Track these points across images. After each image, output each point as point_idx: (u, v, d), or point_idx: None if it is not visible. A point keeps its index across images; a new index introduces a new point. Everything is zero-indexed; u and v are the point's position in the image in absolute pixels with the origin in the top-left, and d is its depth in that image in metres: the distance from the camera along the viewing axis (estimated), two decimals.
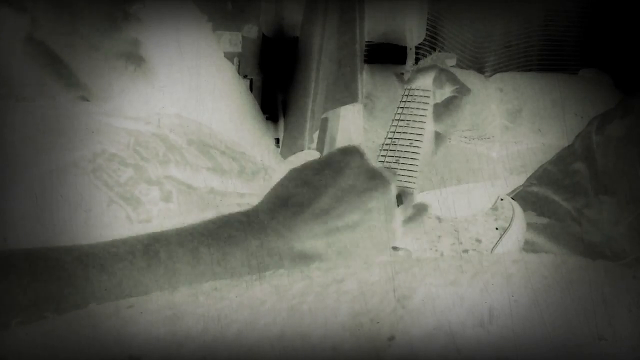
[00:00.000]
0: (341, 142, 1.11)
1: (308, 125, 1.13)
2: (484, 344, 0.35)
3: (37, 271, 0.41)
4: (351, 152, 0.50)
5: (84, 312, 0.39)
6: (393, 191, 0.50)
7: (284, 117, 1.19)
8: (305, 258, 0.46)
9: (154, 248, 0.43)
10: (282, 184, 0.49)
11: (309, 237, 0.46)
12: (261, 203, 0.48)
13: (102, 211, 0.52)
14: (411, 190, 0.64)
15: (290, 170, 0.50)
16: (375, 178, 0.49)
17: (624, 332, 0.35)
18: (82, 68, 0.61)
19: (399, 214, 0.50)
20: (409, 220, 0.53)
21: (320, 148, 1.11)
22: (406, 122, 0.71)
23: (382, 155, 0.68)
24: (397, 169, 0.66)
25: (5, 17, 0.57)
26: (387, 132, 0.70)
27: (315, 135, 1.12)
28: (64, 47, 0.60)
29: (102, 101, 0.62)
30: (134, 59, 0.63)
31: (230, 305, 0.39)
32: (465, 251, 0.60)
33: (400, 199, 0.51)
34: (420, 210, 0.54)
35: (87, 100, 0.62)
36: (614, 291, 0.38)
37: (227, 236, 0.45)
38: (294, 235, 0.46)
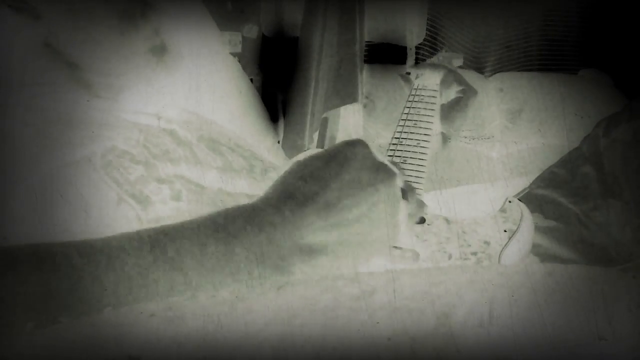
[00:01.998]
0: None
1: (308, 125, 1.12)
2: (484, 344, 0.35)
3: (45, 268, 0.41)
4: (356, 145, 0.50)
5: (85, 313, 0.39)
6: (398, 184, 0.50)
7: (284, 117, 1.19)
8: (310, 251, 0.46)
9: (162, 243, 0.43)
10: (287, 177, 0.49)
11: (314, 231, 0.46)
12: (267, 197, 0.48)
13: (112, 209, 0.53)
14: (415, 185, 0.64)
15: (295, 163, 0.50)
16: (380, 171, 0.49)
17: (624, 332, 0.35)
18: (100, 71, 0.61)
19: (404, 207, 0.50)
20: (411, 214, 0.53)
21: (320, 148, 1.11)
22: (413, 122, 0.71)
23: (389, 156, 0.68)
24: (404, 169, 0.66)
25: (21, 25, 0.58)
26: (394, 132, 0.70)
27: (315, 135, 1.12)
28: (80, 53, 0.60)
29: (116, 98, 0.63)
30: (156, 50, 0.62)
31: (230, 306, 0.39)
32: (474, 253, 0.60)
33: (405, 193, 0.51)
34: (422, 205, 0.55)
35: (100, 97, 0.62)
36: (614, 291, 0.38)
37: (234, 230, 0.45)
38: (300, 229, 0.46)
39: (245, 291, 0.41)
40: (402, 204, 0.50)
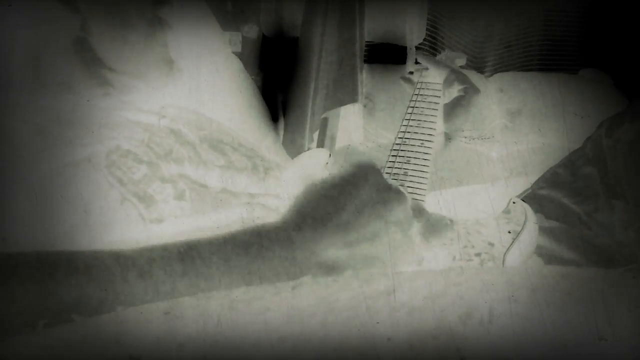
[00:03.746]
0: (341, 142, 1.10)
1: (308, 125, 1.12)
2: (484, 344, 0.35)
3: (78, 272, 0.42)
4: (368, 167, 0.53)
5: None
6: (409, 203, 0.52)
7: (284, 117, 1.19)
8: (328, 269, 0.48)
9: (190, 255, 0.45)
10: (303, 199, 0.52)
11: (331, 249, 0.48)
12: (288, 216, 0.51)
13: (116, 209, 0.53)
14: (419, 185, 0.64)
15: (310, 185, 0.52)
16: (391, 191, 0.52)
17: (624, 332, 0.35)
18: (122, 70, 0.63)
19: (416, 224, 0.53)
20: (425, 229, 0.55)
21: (320, 148, 1.11)
22: (417, 122, 0.71)
23: (392, 156, 0.68)
24: (408, 169, 0.66)
25: (59, 16, 0.60)
26: (398, 132, 0.70)
27: (316, 135, 1.12)
28: (108, 50, 0.62)
29: (123, 98, 0.64)
30: (166, 60, 0.66)
31: (229, 304, 0.39)
32: (478, 254, 0.60)
33: (416, 212, 0.54)
34: (439, 223, 0.57)
35: (111, 95, 0.63)
36: (614, 291, 0.38)
37: (258, 247, 0.48)
38: (318, 248, 0.48)
39: (259, 290, 0.42)
40: (415, 223, 0.53)
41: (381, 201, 0.50)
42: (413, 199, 0.54)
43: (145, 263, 0.44)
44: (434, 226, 0.56)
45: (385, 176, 0.54)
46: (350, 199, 0.50)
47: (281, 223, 0.50)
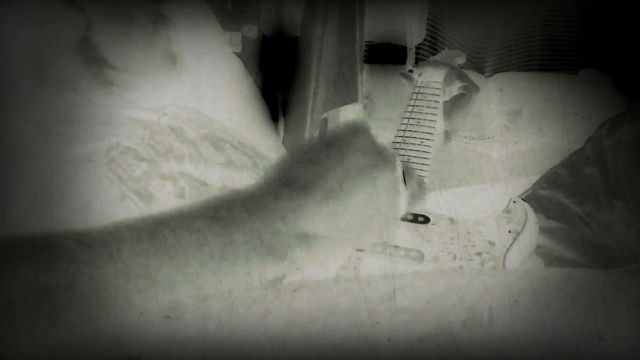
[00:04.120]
0: None
1: (308, 125, 1.12)
2: (484, 344, 0.35)
3: (44, 260, 0.40)
4: (357, 129, 0.49)
5: (85, 312, 0.39)
6: (399, 168, 0.49)
7: (284, 117, 1.19)
8: (308, 238, 0.45)
9: (162, 232, 0.42)
10: (285, 163, 0.48)
11: (312, 217, 0.45)
12: (265, 183, 0.47)
13: (116, 206, 0.52)
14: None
15: (294, 150, 0.49)
16: (381, 155, 0.48)
17: (624, 332, 0.35)
18: (125, 68, 0.62)
19: (403, 190, 0.49)
20: (413, 197, 0.51)
21: None
22: (417, 120, 0.70)
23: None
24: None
25: (60, 16, 0.59)
26: (398, 130, 0.70)
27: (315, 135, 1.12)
28: (111, 49, 0.61)
29: (125, 96, 0.64)
30: (170, 56, 0.65)
31: (229, 305, 0.39)
32: (479, 254, 0.60)
33: (404, 174, 0.50)
34: (422, 185, 0.53)
35: (113, 94, 0.63)
36: (614, 291, 0.38)
37: (231, 217, 0.44)
38: (299, 216, 0.45)
39: (261, 293, 0.41)
40: (402, 187, 0.49)
41: (370, 166, 0.46)
42: (403, 164, 0.50)
43: (114, 243, 0.41)
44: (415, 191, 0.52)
45: (376, 138, 0.48)
46: (337, 164, 0.46)
47: (256, 190, 0.46)
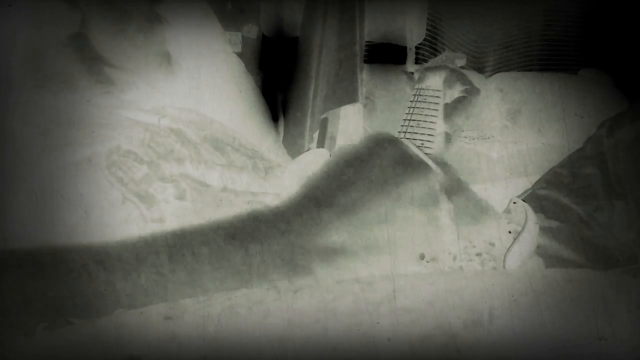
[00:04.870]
0: (341, 142, 1.10)
1: (308, 125, 1.12)
2: (484, 344, 0.35)
3: (58, 273, 0.40)
4: (381, 141, 0.47)
5: (86, 312, 0.39)
6: (433, 180, 0.47)
7: (284, 117, 1.19)
8: (329, 253, 0.44)
9: (180, 251, 0.42)
10: (308, 180, 0.47)
11: (336, 233, 0.44)
12: (288, 200, 0.47)
13: (117, 209, 0.52)
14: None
15: (324, 164, 0.48)
16: (410, 166, 0.46)
17: (624, 332, 0.35)
18: (122, 66, 0.62)
19: (446, 206, 0.47)
20: (462, 213, 0.49)
21: (320, 148, 1.11)
22: (417, 122, 0.71)
23: None
24: None
25: (59, 12, 0.59)
26: (397, 132, 0.70)
27: (316, 135, 1.12)
28: (107, 46, 0.61)
29: (123, 97, 0.64)
30: (165, 56, 0.65)
31: (229, 305, 0.39)
32: (479, 254, 0.60)
33: (451, 190, 0.47)
34: (479, 203, 0.51)
35: (111, 94, 0.63)
36: (614, 291, 0.38)
37: (253, 234, 0.44)
38: (321, 233, 0.44)
39: (261, 294, 0.41)
40: (444, 202, 0.47)
41: (394, 178, 0.45)
42: (449, 177, 0.48)
43: (131, 262, 0.41)
44: (469, 209, 0.50)
45: (408, 149, 0.46)
46: (358, 177, 0.45)
47: (279, 207, 0.46)
